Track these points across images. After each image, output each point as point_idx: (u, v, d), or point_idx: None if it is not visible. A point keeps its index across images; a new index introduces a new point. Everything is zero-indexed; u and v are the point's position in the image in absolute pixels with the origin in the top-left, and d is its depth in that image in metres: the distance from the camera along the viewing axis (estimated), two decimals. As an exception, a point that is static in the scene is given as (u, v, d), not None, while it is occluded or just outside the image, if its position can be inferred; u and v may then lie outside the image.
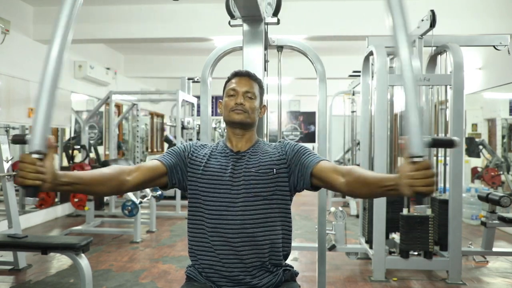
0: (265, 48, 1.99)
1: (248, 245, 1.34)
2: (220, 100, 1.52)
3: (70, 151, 5.80)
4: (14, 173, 3.40)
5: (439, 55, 3.55)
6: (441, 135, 3.87)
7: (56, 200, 5.54)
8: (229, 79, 1.50)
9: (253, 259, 1.34)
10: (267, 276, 1.37)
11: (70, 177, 1.15)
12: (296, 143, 1.48)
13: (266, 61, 1.99)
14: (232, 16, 1.98)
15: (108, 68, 6.79)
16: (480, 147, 5.76)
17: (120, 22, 5.03)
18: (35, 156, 1.00)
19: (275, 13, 2.00)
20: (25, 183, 1.00)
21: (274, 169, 1.40)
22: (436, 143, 1.21)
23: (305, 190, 1.45)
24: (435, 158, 3.65)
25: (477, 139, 5.89)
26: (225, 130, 1.52)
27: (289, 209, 1.44)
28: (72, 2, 1.02)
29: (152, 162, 1.40)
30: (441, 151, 3.81)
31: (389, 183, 1.13)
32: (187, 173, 1.43)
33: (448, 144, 1.29)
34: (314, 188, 1.41)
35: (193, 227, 1.41)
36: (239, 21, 1.94)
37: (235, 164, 1.41)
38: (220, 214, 1.35)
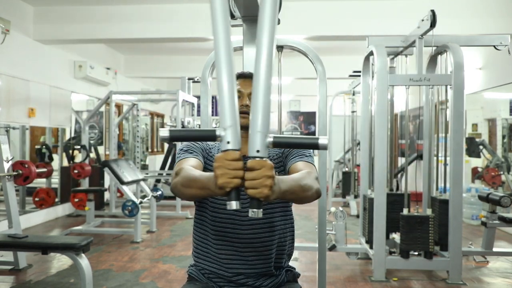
0: (265, 48, 1.98)
1: (255, 250, 1.33)
2: None
3: (70, 151, 5.80)
4: (14, 173, 3.40)
5: (440, 55, 3.54)
6: (441, 135, 3.86)
7: (57, 200, 5.54)
8: None
9: (259, 264, 1.34)
10: (269, 277, 1.37)
11: None
12: None
13: (266, 61, 1.99)
14: (232, 16, 1.97)
15: (108, 68, 6.79)
16: (481, 147, 5.76)
17: (120, 22, 5.03)
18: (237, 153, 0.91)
19: (275, 13, 2.00)
20: (237, 184, 0.90)
21: (276, 172, 1.39)
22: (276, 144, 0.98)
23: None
24: (435, 158, 3.65)
25: (477, 139, 5.89)
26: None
27: (291, 209, 1.44)
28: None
29: (193, 161, 1.30)
30: (441, 150, 3.81)
31: None
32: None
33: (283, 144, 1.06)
34: None
35: (198, 230, 1.41)
36: (239, 21, 1.94)
37: None
38: (227, 219, 1.34)
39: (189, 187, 1.11)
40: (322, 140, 0.97)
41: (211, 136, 0.93)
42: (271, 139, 0.96)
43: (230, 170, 0.89)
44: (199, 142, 1.45)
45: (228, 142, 0.91)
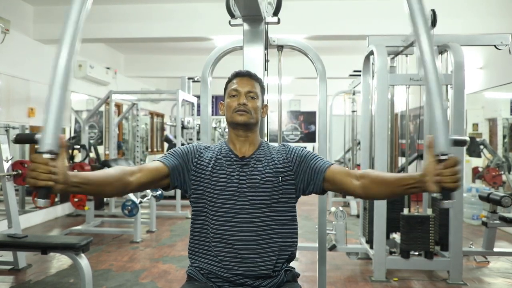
0: (266, 48, 1.98)
1: (255, 253, 1.33)
2: (222, 102, 1.50)
3: (70, 151, 5.80)
4: (14, 172, 3.39)
5: (440, 55, 3.54)
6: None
7: (56, 200, 5.53)
8: (230, 80, 1.49)
9: (258, 266, 1.33)
10: (268, 278, 1.36)
11: (79, 178, 1.08)
12: (302, 148, 1.46)
13: (266, 61, 1.98)
14: (232, 16, 1.97)
15: (108, 68, 6.79)
16: (481, 147, 5.75)
17: (120, 21, 5.02)
18: (47, 156, 0.94)
19: (276, 13, 2.00)
20: (37, 184, 0.95)
21: (280, 177, 1.38)
22: (456, 143, 1.32)
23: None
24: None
25: (478, 139, 5.88)
26: (226, 130, 1.51)
27: (295, 214, 1.43)
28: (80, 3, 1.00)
29: (154, 163, 1.36)
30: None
31: (411, 181, 1.17)
32: (191, 176, 1.40)
33: (463, 143, 1.45)
34: (323, 191, 1.41)
35: (196, 231, 1.40)
36: (239, 21, 1.94)
37: (241, 170, 1.39)
38: (226, 221, 1.34)
39: None
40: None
41: (29, 139, 1.11)
42: (453, 137, 1.21)
43: (35, 172, 0.94)
44: (187, 147, 1.45)
45: (40, 144, 0.95)
